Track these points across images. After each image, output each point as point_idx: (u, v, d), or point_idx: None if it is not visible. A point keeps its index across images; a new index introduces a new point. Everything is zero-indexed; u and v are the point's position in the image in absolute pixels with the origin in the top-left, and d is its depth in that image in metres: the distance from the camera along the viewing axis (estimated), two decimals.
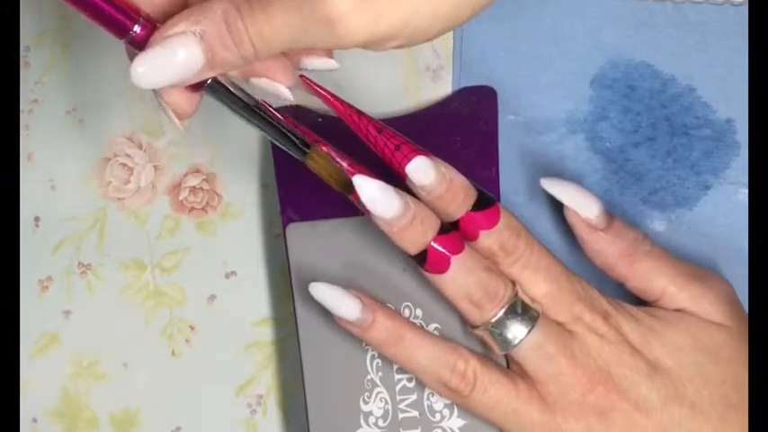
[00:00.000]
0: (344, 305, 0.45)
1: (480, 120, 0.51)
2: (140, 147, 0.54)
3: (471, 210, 0.44)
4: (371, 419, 0.48)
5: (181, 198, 0.54)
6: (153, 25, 0.40)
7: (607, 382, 0.45)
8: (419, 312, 0.48)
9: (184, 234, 0.53)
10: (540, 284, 0.45)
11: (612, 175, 0.51)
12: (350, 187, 0.43)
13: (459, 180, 0.44)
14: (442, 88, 0.53)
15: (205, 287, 0.53)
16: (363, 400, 0.48)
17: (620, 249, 0.47)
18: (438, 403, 0.48)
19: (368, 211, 0.43)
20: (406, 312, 0.48)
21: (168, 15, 0.39)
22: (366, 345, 0.47)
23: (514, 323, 0.45)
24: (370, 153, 0.45)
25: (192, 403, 0.53)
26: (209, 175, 0.54)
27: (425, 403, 0.48)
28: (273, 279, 0.53)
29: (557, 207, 0.51)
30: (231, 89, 0.42)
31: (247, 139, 0.53)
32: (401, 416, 0.48)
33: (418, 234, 0.43)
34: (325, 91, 0.45)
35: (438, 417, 0.48)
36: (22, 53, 0.54)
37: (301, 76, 0.44)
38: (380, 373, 0.48)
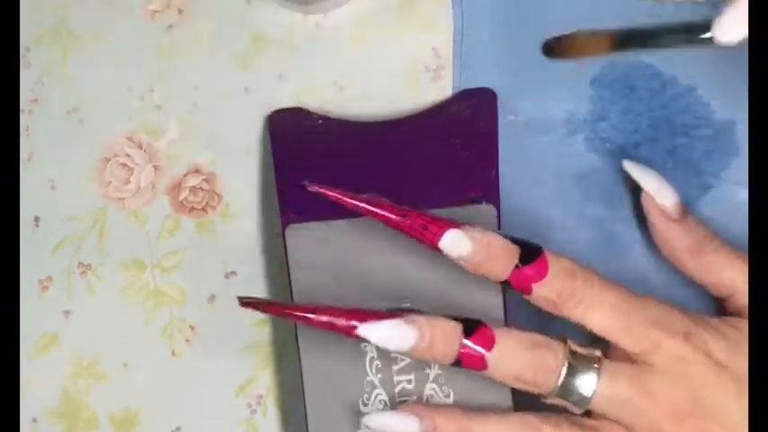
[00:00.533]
0: (403, 426, 0.44)
1: (480, 122, 0.50)
2: (140, 147, 0.54)
3: (518, 266, 0.43)
4: (362, 421, 0.47)
5: (181, 198, 0.54)
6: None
7: (694, 409, 0.43)
8: None
9: (184, 234, 0.54)
10: (608, 319, 0.43)
11: (612, 175, 0.51)
12: None
13: (496, 241, 0.43)
14: (442, 88, 0.53)
15: (205, 287, 0.53)
16: (362, 401, 0.48)
17: (691, 241, 0.46)
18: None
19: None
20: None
21: None
22: None
23: (580, 379, 0.43)
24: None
25: (192, 403, 0.53)
26: (209, 175, 0.54)
27: None
28: (273, 279, 0.53)
29: (557, 208, 0.51)
30: None
31: (247, 139, 0.53)
32: None
33: (444, 349, 0.43)
34: (338, 194, 0.44)
35: None
36: (22, 53, 0.54)
37: (312, 186, 0.44)
38: (380, 375, 0.48)
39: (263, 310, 0.45)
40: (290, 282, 0.49)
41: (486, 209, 0.48)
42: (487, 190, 0.48)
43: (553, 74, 0.52)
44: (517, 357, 0.43)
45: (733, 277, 0.46)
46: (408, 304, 0.48)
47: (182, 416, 0.53)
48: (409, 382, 0.48)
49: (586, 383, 0.43)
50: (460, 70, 0.52)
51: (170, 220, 0.54)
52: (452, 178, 0.49)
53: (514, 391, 0.47)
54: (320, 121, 0.52)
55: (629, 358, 0.44)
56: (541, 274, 0.43)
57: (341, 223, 0.49)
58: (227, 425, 0.53)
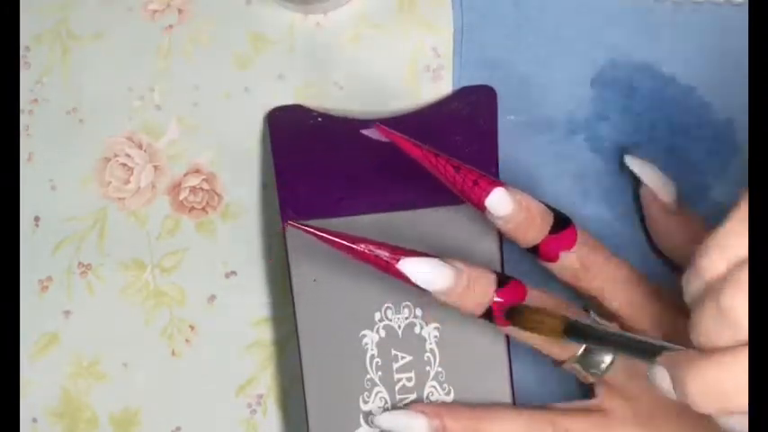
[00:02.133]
0: (412, 425, 0.45)
1: (480, 119, 0.50)
2: (140, 147, 0.54)
3: (549, 233, 0.45)
4: (371, 419, 0.48)
5: (181, 198, 0.54)
6: None
7: None
8: (419, 312, 0.48)
9: (184, 234, 0.53)
10: (620, 295, 0.45)
11: (613, 175, 0.51)
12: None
13: (535, 206, 0.44)
14: (442, 88, 0.53)
15: (205, 287, 0.53)
16: (363, 399, 0.48)
17: (689, 234, 0.47)
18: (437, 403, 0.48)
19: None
20: (406, 312, 0.48)
21: None
22: None
23: (598, 349, 0.45)
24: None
25: (192, 403, 0.53)
26: (209, 175, 0.54)
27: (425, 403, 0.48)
28: (273, 279, 0.53)
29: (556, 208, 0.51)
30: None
31: (247, 139, 0.53)
32: None
33: (479, 295, 0.43)
34: (401, 138, 0.45)
35: None
36: (22, 53, 0.54)
37: (377, 125, 0.45)
38: (380, 373, 0.48)
39: (306, 232, 0.45)
40: (290, 281, 0.49)
41: None
42: None
43: (553, 74, 0.52)
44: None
45: None
46: (408, 305, 0.48)
47: (182, 416, 0.53)
48: (409, 379, 0.48)
49: (603, 353, 0.45)
50: (460, 70, 0.52)
51: (170, 220, 0.54)
52: None
53: (513, 390, 0.48)
54: (320, 119, 0.52)
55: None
56: (570, 242, 0.45)
57: (341, 223, 0.49)
58: (227, 425, 0.53)
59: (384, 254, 0.43)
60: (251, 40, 0.54)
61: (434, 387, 0.48)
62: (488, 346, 0.47)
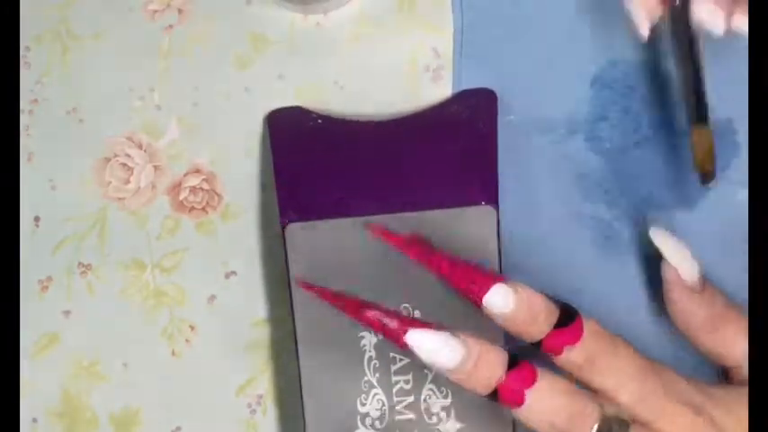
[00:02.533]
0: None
1: (480, 122, 0.50)
2: (140, 147, 0.54)
3: (554, 328, 0.42)
4: (368, 421, 0.48)
5: (181, 198, 0.54)
6: None
7: None
8: (417, 314, 0.48)
9: (184, 234, 0.53)
10: (626, 387, 0.43)
11: (612, 175, 0.51)
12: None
13: (538, 302, 0.42)
14: (442, 88, 0.53)
15: (205, 287, 0.53)
16: (360, 401, 0.48)
17: (708, 315, 0.46)
18: (435, 406, 0.47)
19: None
20: (404, 314, 0.48)
21: None
22: None
23: None
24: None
25: (192, 403, 0.53)
26: (209, 175, 0.54)
27: (422, 405, 0.48)
28: (273, 279, 0.53)
29: (556, 208, 0.51)
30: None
31: (247, 139, 0.53)
32: (398, 418, 0.47)
33: (486, 376, 0.41)
34: (396, 238, 0.43)
35: (435, 419, 0.48)
36: (22, 53, 0.54)
37: (371, 226, 0.44)
38: (378, 375, 0.48)
39: (319, 296, 0.43)
40: (289, 282, 0.49)
41: (486, 209, 0.48)
42: (487, 190, 0.48)
43: (553, 74, 0.52)
44: (555, 398, 0.42)
45: (744, 350, 0.46)
46: (407, 306, 0.48)
47: (182, 416, 0.53)
48: (407, 382, 0.48)
49: None
50: (460, 70, 0.52)
51: (170, 220, 0.54)
52: (452, 179, 0.49)
53: None
54: (320, 121, 0.52)
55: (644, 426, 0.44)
56: (576, 337, 0.42)
57: (341, 223, 0.49)
58: (227, 425, 0.53)
59: (393, 324, 0.41)
60: (251, 40, 0.54)
61: (432, 390, 0.48)
62: None
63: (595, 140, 0.51)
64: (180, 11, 0.54)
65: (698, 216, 0.51)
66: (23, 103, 0.54)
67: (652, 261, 0.50)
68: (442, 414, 0.48)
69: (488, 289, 0.41)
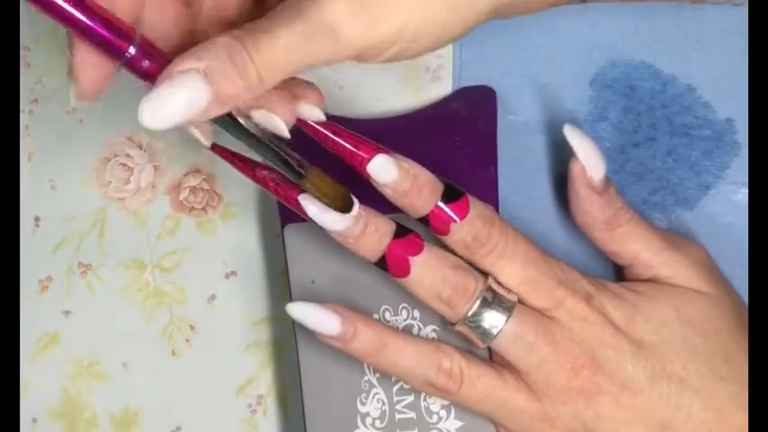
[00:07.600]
0: (324, 321, 0.44)
1: (479, 119, 0.50)
2: (140, 147, 0.54)
3: (440, 203, 0.44)
4: (368, 420, 0.48)
5: (181, 198, 0.54)
6: (164, 60, 0.39)
7: (592, 365, 0.44)
8: (416, 314, 0.48)
9: (184, 234, 0.54)
10: (517, 271, 0.45)
11: (612, 175, 0.51)
12: (347, 202, 0.43)
13: (423, 175, 0.44)
14: (442, 88, 0.53)
15: (205, 287, 0.53)
16: (360, 400, 0.48)
17: (607, 215, 0.47)
18: (435, 404, 0.47)
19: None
20: (404, 314, 0.48)
21: (180, 50, 0.39)
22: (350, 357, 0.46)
23: (490, 314, 0.44)
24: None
25: (192, 403, 0.53)
26: (209, 175, 0.54)
27: (423, 404, 0.48)
28: (273, 279, 0.53)
29: (556, 207, 0.51)
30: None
31: None
32: (398, 417, 0.47)
33: (373, 242, 0.44)
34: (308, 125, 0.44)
35: (435, 418, 0.48)
36: (22, 53, 0.54)
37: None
38: (378, 374, 0.48)
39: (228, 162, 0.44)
40: (289, 282, 0.49)
41: None
42: (487, 189, 0.48)
43: (553, 74, 0.52)
44: (440, 270, 0.44)
45: (635, 250, 0.47)
46: (407, 306, 0.48)
47: (182, 416, 0.53)
48: None
49: (496, 319, 0.44)
50: (460, 70, 0.52)
51: (170, 220, 0.54)
52: (451, 177, 0.49)
53: None
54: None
55: (534, 312, 0.45)
56: (462, 213, 0.44)
57: None
58: (227, 425, 0.53)
59: (285, 187, 0.43)
60: None
61: None
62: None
63: (595, 140, 0.51)
64: None
65: (698, 216, 0.51)
66: (23, 103, 0.54)
67: None
68: (443, 413, 0.47)
69: (372, 158, 0.43)
